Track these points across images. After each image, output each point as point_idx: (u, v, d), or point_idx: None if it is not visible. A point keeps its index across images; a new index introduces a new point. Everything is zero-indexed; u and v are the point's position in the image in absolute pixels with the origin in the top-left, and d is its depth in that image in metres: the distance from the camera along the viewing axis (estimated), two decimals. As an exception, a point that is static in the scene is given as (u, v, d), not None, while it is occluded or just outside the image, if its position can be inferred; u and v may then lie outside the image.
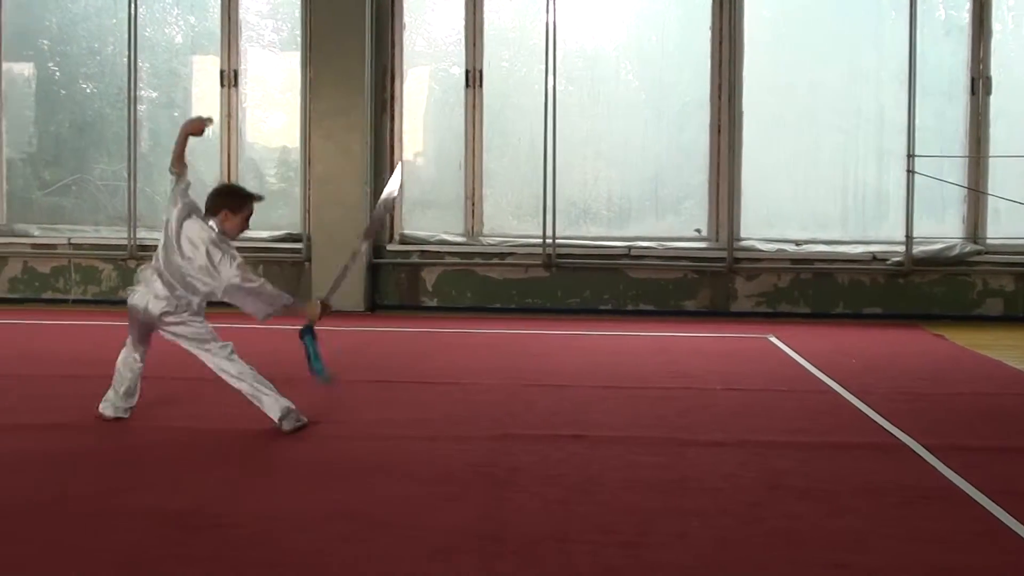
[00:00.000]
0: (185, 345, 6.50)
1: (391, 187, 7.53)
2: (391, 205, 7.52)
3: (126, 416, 6.70)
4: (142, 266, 6.58)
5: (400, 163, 9.57)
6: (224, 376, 6.48)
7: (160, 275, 6.42)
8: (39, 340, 10.29)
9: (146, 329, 6.56)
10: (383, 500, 5.15)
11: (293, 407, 6.46)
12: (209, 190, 6.61)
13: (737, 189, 12.36)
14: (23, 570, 4.19)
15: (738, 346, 10.14)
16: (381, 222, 7.52)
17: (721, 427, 6.74)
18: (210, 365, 6.49)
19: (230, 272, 6.32)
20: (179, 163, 6.45)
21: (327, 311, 6.57)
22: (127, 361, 6.67)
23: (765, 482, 5.51)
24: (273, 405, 6.44)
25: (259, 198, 6.65)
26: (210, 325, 6.52)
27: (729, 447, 6.21)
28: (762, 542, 4.61)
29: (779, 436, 6.50)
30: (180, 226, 6.39)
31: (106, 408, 6.68)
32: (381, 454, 6.02)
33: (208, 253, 6.33)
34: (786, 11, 12.65)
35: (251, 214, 6.54)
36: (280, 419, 6.42)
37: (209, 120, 6.58)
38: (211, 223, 6.42)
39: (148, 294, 6.43)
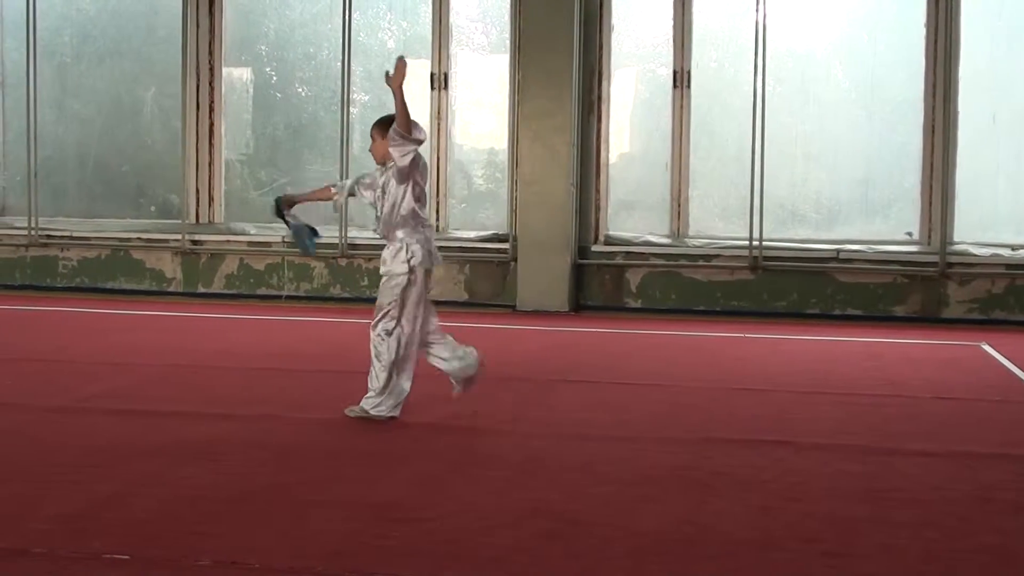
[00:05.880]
0: None
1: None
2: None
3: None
4: None
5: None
6: None
7: None
8: (252, 335, 10.61)
9: None
10: (582, 499, 5.18)
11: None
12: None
13: (951, 191, 11.98)
14: (234, 555, 4.34)
15: (949, 354, 9.86)
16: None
17: (930, 437, 6.58)
18: None
19: None
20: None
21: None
22: None
23: (976, 495, 5.36)
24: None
25: None
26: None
27: (938, 458, 6.05)
28: (972, 558, 4.49)
29: (991, 448, 6.31)
30: None
31: None
32: (582, 454, 6.05)
33: None
34: (1004, 5, 12.22)
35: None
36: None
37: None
38: None
39: None
